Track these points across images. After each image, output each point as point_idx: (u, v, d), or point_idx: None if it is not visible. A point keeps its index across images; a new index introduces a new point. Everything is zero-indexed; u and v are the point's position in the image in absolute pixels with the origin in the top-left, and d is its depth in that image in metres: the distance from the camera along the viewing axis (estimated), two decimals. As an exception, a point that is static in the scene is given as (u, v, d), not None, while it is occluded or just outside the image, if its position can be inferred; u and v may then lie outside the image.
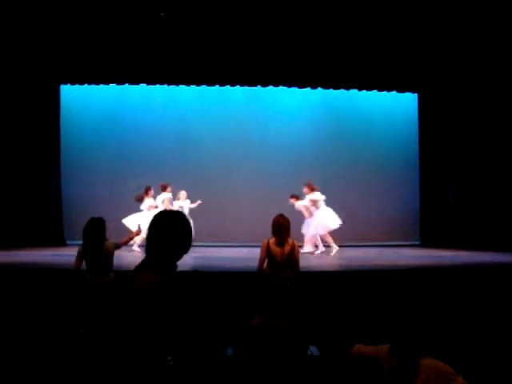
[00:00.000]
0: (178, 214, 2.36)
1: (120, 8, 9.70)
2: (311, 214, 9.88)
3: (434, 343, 2.45)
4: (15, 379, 3.17)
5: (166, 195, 10.35)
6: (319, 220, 9.77)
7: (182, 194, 10.66)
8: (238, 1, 9.67)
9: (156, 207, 9.97)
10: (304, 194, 9.94)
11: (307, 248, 9.84)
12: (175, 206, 10.43)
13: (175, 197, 10.62)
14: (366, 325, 4.06)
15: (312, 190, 9.81)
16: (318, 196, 9.81)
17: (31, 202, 11.09)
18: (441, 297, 4.91)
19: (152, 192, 10.33)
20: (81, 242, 5.30)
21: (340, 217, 11.13)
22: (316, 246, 9.98)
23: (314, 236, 9.90)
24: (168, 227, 2.27)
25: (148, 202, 10.21)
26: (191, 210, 10.46)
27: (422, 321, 2.47)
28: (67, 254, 7.19)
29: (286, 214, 5.38)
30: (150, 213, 9.73)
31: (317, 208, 9.79)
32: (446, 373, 2.30)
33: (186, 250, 2.30)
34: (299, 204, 9.95)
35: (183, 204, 10.57)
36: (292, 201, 10.00)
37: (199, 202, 10.70)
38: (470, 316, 4.33)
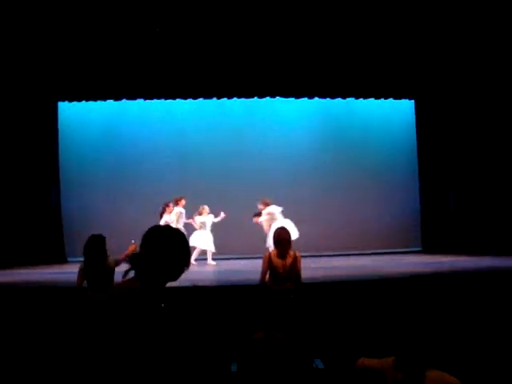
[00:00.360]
0: (169, 230, 2.27)
1: (115, 24, 9.74)
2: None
3: (440, 354, 2.42)
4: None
5: (177, 209, 10.26)
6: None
7: (205, 208, 10.51)
8: (233, 14, 9.70)
9: (172, 223, 9.83)
10: (261, 210, 10.25)
11: None
12: (197, 222, 10.42)
13: (196, 211, 10.53)
14: (370, 336, 4.03)
15: (266, 204, 10.16)
16: (273, 208, 10.11)
17: (31, 220, 11.07)
18: (446, 305, 4.88)
19: (171, 207, 10.26)
20: (82, 259, 5.28)
21: (340, 224, 11.17)
22: None
23: None
24: (156, 244, 2.19)
25: (165, 218, 10.18)
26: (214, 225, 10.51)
27: (428, 332, 2.45)
28: (69, 272, 7.16)
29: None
30: None
31: (274, 221, 9.98)
32: None
33: (179, 268, 2.20)
34: (260, 220, 10.25)
35: (205, 219, 10.46)
36: (255, 220, 10.35)
37: (223, 215, 10.50)
38: (478, 325, 4.30)
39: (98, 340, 2.02)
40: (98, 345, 2.01)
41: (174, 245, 2.20)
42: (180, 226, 9.79)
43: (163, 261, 2.16)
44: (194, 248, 10.05)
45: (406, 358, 2.39)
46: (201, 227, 10.44)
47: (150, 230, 2.25)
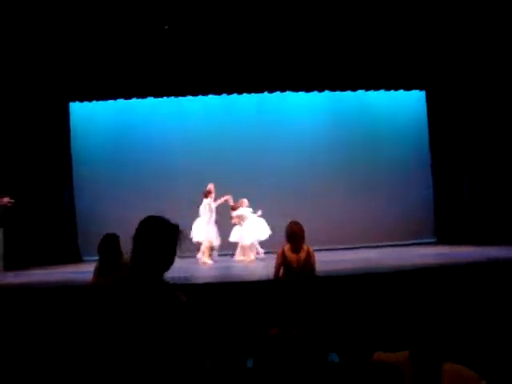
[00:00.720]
0: (159, 221, 2.25)
1: (124, 23, 9.78)
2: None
3: (456, 347, 2.41)
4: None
5: (206, 201, 10.13)
6: (247, 230, 10.23)
7: (244, 201, 10.39)
8: (241, 9, 9.69)
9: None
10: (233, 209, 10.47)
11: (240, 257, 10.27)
12: (234, 215, 10.39)
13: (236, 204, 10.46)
14: (386, 330, 4.02)
15: (233, 209, 10.41)
16: (241, 211, 10.32)
17: (46, 220, 11.15)
18: (461, 297, 4.84)
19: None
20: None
21: (352, 217, 11.07)
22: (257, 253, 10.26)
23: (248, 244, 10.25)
24: (145, 234, 2.19)
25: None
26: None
27: (443, 324, 2.43)
28: (85, 271, 7.20)
29: (299, 220, 5.36)
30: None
31: (246, 219, 10.24)
32: (470, 378, 2.26)
33: (168, 258, 2.20)
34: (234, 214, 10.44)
35: (243, 212, 10.30)
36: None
37: (260, 212, 10.30)
38: (494, 317, 4.27)
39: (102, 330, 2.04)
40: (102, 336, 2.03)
41: (162, 235, 2.20)
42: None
43: (152, 250, 2.16)
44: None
45: (421, 351, 2.37)
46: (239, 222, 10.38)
47: (142, 220, 2.26)
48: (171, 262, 2.22)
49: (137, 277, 2.15)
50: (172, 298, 2.14)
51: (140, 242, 2.19)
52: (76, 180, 11.94)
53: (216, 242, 10.14)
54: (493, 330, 3.69)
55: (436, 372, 2.29)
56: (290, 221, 5.40)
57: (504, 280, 5.64)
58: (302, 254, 5.19)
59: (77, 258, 11.41)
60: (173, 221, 2.28)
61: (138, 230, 2.22)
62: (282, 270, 5.31)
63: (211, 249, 10.11)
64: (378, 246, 11.38)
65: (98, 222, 10.98)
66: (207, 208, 10.03)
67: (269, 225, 10.18)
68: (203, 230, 9.90)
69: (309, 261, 5.21)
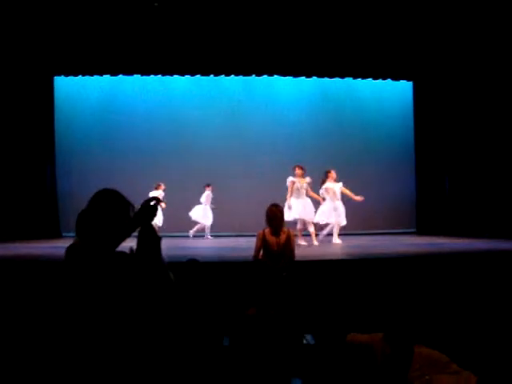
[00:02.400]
0: (111, 194, 2.24)
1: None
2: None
3: (429, 332, 2.46)
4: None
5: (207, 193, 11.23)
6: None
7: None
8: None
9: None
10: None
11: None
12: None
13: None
14: (361, 313, 4.09)
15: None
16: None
17: (27, 196, 11.05)
18: (436, 284, 4.94)
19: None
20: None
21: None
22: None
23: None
24: (99, 205, 2.18)
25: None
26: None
27: (417, 309, 2.48)
28: (62, 246, 7.15)
29: (282, 204, 5.40)
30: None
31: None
32: (441, 360, 2.32)
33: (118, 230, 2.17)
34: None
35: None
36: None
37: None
38: (466, 304, 4.37)
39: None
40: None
41: (114, 208, 2.18)
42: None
43: (101, 222, 2.14)
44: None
45: (396, 333, 2.43)
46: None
47: (97, 192, 2.25)
48: (121, 237, 2.18)
49: (87, 249, 2.13)
50: (119, 266, 2.10)
51: (92, 213, 2.17)
52: (58, 156, 11.81)
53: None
54: (467, 318, 3.79)
55: (408, 353, 2.35)
56: (269, 204, 5.44)
57: (477, 270, 5.77)
58: (283, 237, 5.23)
59: (57, 234, 11.35)
60: (130, 198, 2.26)
61: (91, 200, 2.21)
62: (261, 253, 5.35)
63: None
64: (358, 234, 11.50)
65: (79, 199, 10.82)
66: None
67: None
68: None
69: (288, 244, 5.26)
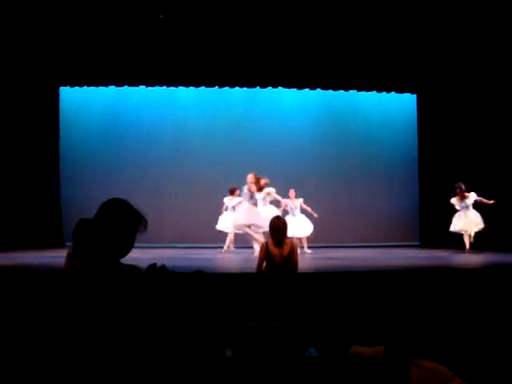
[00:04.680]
0: (126, 205, 2.19)
1: (119, 10, 9.71)
2: None
3: (431, 345, 2.45)
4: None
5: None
6: None
7: (291, 192, 10.27)
8: (237, 2, 9.67)
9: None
10: None
11: None
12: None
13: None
14: (364, 326, 4.07)
15: None
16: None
17: (31, 205, 11.09)
18: (438, 297, 4.91)
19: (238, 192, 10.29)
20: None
21: (339, 217, 11.14)
22: None
23: None
24: (110, 215, 2.13)
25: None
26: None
27: (419, 322, 2.47)
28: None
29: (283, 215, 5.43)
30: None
31: None
32: (443, 373, 2.30)
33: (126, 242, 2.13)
34: None
35: (293, 203, 10.16)
36: None
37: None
38: (468, 317, 4.34)
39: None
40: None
41: (124, 218, 2.14)
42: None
43: (111, 233, 2.10)
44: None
45: (394, 345, 2.41)
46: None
47: (106, 202, 2.20)
48: (128, 248, 2.14)
49: (94, 262, 2.09)
50: (126, 280, 2.06)
51: (101, 223, 2.12)
52: (63, 166, 11.85)
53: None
54: (468, 331, 3.77)
55: (405, 366, 2.33)
56: (273, 216, 5.47)
57: (481, 284, 5.74)
58: (286, 249, 5.23)
59: (60, 244, 11.36)
60: (140, 209, 2.21)
61: (100, 210, 2.15)
62: (264, 264, 5.34)
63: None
64: (361, 247, 11.47)
65: (83, 209, 10.85)
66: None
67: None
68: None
69: (292, 256, 5.25)
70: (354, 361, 2.65)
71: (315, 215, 10.14)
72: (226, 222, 10.34)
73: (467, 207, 10.29)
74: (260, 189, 9.25)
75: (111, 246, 2.10)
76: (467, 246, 10.24)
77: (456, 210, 10.45)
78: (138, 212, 2.19)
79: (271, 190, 9.43)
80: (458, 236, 10.99)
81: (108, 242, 2.10)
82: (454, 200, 10.43)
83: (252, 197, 9.18)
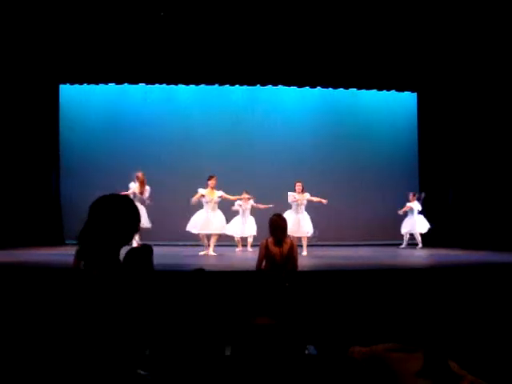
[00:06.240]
0: (115, 199, 2.25)
1: (119, 7, 9.69)
2: None
3: (435, 343, 2.44)
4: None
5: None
6: None
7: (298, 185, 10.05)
8: (237, 0, 9.66)
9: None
10: None
11: None
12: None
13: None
14: (364, 324, 4.07)
15: None
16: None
17: (31, 203, 11.08)
18: (439, 296, 4.91)
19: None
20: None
21: (339, 216, 11.12)
22: None
23: None
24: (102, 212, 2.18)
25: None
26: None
27: (417, 320, 2.47)
28: (64, 254, 7.19)
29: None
30: None
31: None
32: (457, 373, 2.28)
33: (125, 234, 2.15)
34: None
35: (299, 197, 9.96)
36: None
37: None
38: (469, 316, 4.34)
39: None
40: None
41: (120, 212, 2.18)
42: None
43: (109, 228, 2.13)
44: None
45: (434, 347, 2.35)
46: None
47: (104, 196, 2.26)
48: (122, 243, 2.16)
49: (92, 259, 2.11)
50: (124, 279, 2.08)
51: (94, 221, 2.18)
52: (63, 163, 11.85)
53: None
54: (470, 331, 3.76)
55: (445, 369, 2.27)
56: (273, 214, 5.45)
57: (484, 283, 5.74)
58: (285, 247, 5.22)
59: (60, 241, 11.35)
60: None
61: (95, 205, 2.24)
62: (264, 263, 5.33)
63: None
64: (361, 245, 11.48)
65: (83, 207, 10.79)
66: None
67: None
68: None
69: (291, 254, 5.25)
70: (353, 361, 2.65)
71: (324, 202, 9.94)
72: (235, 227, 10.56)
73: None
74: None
75: (106, 240, 2.13)
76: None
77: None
78: (127, 202, 2.24)
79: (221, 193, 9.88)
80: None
81: (103, 237, 2.13)
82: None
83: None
